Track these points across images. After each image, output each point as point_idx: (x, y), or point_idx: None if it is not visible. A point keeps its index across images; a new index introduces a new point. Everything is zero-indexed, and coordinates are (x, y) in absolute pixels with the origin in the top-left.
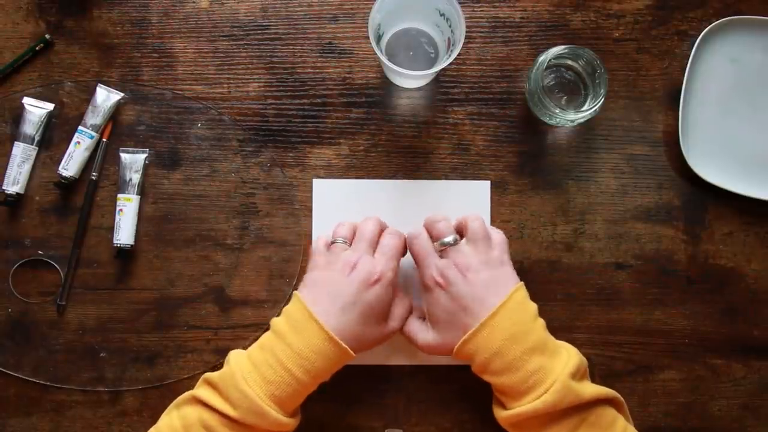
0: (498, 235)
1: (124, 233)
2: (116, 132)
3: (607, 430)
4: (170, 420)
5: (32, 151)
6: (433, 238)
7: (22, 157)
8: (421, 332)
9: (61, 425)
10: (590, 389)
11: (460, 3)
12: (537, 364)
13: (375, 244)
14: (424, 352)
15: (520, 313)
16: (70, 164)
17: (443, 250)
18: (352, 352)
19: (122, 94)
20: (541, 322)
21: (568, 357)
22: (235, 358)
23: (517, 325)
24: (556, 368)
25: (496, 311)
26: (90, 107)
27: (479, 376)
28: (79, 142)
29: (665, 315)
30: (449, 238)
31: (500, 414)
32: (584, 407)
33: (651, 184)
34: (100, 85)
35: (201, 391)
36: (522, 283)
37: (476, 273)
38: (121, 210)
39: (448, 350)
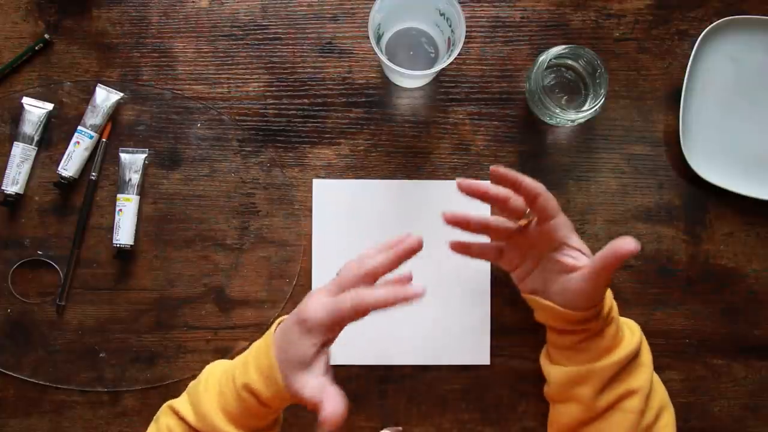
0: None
1: (124, 233)
2: (116, 132)
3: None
4: None
5: (31, 151)
6: (508, 212)
7: (21, 157)
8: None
9: (60, 426)
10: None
11: (460, 3)
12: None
13: (347, 285)
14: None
15: None
16: (70, 164)
17: (527, 222)
18: (282, 385)
19: (122, 94)
20: None
21: None
22: (211, 367)
23: None
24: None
25: None
26: (89, 107)
27: (596, 326)
28: (78, 142)
29: (666, 315)
30: (529, 210)
31: (601, 363)
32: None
33: (651, 184)
34: (99, 84)
35: (178, 399)
36: None
37: None
38: (120, 210)
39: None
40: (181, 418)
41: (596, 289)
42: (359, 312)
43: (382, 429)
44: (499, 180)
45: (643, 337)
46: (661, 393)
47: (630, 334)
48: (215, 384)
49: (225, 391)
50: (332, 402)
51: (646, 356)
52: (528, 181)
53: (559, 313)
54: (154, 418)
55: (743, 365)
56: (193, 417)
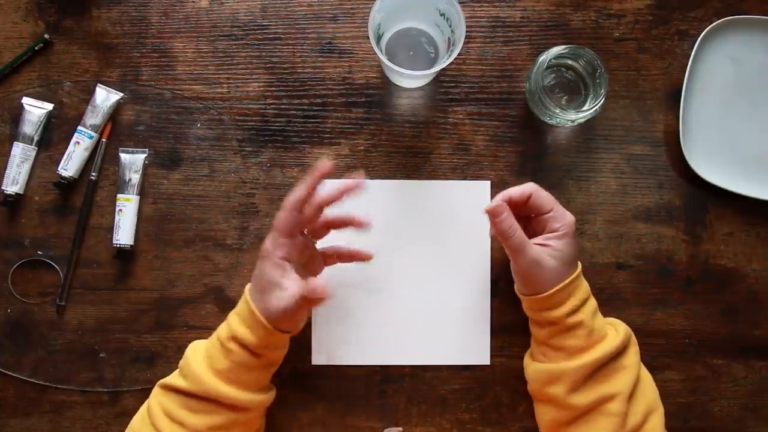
0: None
1: (124, 233)
2: (116, 132)
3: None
4: (141, 416)
5: (31, 151)
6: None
7: (21, 157)
8: (547, 260)
9: (60, 426)
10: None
11: (460, 3)
12: (600, 315)
13: (289, 224)
14: (538, 280)
15: None
16: (70, 164)
17: None
18: (264, 320)
19: (121, 94)
20: None
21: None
22: (194, 343)
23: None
24: (610, 319)
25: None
26: (89, 107)
27: (569, 317)
28: (78, 142)
29: (666, 315)
30: None
31: (572, 363)
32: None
33: (651, 184)
34: (99, 84)
35: (169, 376)
36: None
37: None
38: (120, 210)
39: (560, 279)
40: (174, 389)
41: (516, 267)
42: (298, 206)
43: (382, 429)
44: (495, 214)
45: (632, 340)
46: (649, 395)
47: (613, 335)
48: (201, 350)
49: (212, 353)
50: (314, 282)
51: (631, 359)
52: (515, 194)
53: (518, 295)
54: (147, 400)
55: (743, 365)
56: (185, 382)
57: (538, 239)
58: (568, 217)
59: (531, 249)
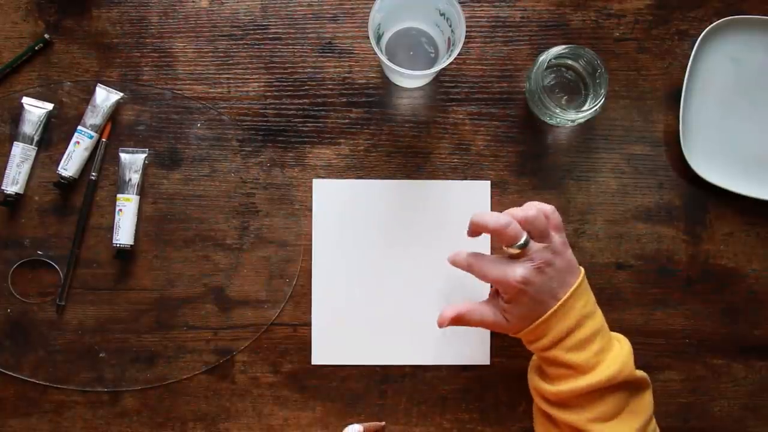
0: (554, 216)
1: (124, 233)
2: (116, 132)
3: (646, 411)
4: None
5: (31, 151)
6: (504, 241)
7: (21, 157)
8: (498, 321)
9: (60, 426)
10: (638, 371)
11: (460, 3)
12: (599, 345)
13: None
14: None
15: (588, 296)
16: (70, 164)
17: (518, 253)
18: None
19: (122, 94)
20: (599, 311)
21: (620, 344)
22: None
23: (586, 307)
24: (615, 348)
25: (572, 293)
26: (89, 107)
27: (542, 352)
28: (78, 142)
29: (666, 315)
30: (523, 240)
31: (549, 389)
32: (633, 385)
33: (651, 184)
34: (99, 84)
35: None
36: (582, 269)
37: (551, 266)
38: (120, 210)
39: (518, 330)
40: None
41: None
42: None
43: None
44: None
45: (628, 371)
46: (642, 418)
47: (609, 363)
48: None
49: None
50: None
51: (618, 395)
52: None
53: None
54: None
55: (743, 365)
56: None
57: (492, 297)
58: (507, 283)
59: (486, 312)
